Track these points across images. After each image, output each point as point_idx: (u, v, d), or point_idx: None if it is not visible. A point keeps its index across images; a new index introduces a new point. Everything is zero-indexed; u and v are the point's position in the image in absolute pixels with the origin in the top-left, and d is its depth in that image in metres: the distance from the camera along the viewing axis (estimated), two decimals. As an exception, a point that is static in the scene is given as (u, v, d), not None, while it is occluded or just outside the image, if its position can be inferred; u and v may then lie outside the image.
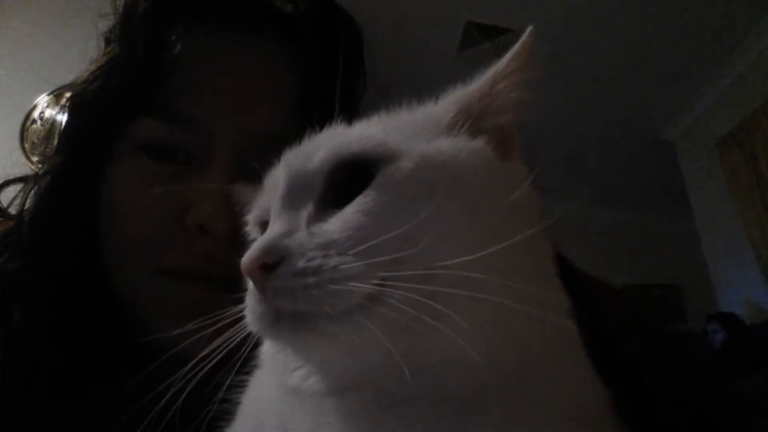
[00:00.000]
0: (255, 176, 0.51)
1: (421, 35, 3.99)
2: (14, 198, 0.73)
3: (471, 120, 0.44)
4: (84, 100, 0.69)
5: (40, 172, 0.70)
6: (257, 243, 0.37)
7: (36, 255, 0.64)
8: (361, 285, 0.34)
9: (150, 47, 0.65)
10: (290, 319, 0.36)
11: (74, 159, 0.67)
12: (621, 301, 0.64)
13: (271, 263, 0.36)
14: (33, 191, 0.68)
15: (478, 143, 0.43)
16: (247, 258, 0.36)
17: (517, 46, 0.45)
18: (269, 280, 0.35)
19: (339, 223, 0.37)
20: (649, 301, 6.08)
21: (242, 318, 0.40)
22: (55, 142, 0.72)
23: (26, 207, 0.69)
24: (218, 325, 0.41)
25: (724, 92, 4.58)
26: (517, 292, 0.35)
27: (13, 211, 0.73)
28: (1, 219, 0.74)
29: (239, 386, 0.46)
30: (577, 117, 5.03)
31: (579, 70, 4.44)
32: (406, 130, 0.43)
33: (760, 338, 3.69)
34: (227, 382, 0.44)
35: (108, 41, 0.73)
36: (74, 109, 0.70)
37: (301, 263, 0.35)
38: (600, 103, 4.86)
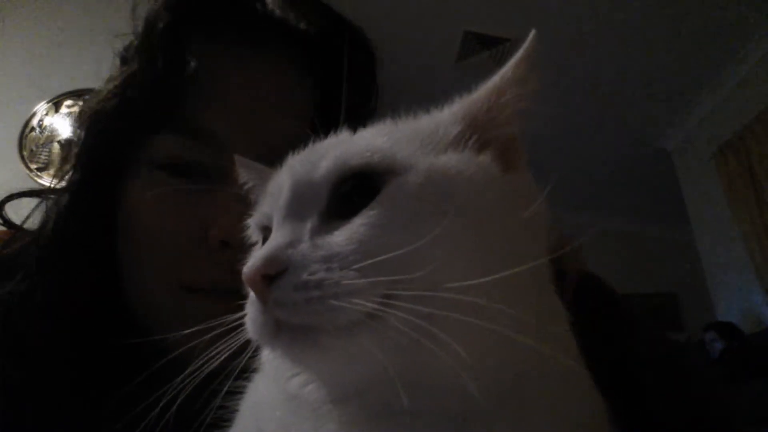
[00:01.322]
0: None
1: (419, 45, 4.01)
2: (29, 215, 0.73)
3: (478, 132, 0.43)
4: (102, 118, 0.69)
5: (56, 187, 0.71)
6: (260, 253, 0.37)
7: (54, 274, 0.64)
8: (362, 302, 0.33)
9: (169, 63, 0.66)
10: (290, 331, 0.35)
11: (93, 177, 0.68)
12: (624, 312, 0.64)
13: (274, 274, 0.35)
14: (51, 209, 0.69)
15: (486, 159, 0.42)
16: (249, 268, 0.36)
17: (520, 53, 0.44)
18: (271, 291, 0.35)
19: (344, 235, 0.37)
20: (647, 310, 6.08)
21: (241, 325, 0.40)
22: (71, 157, 0.72)
23: (44, 224, 0.68)
24: (217, 331, 0.41)
25: (721, 101, 4.61)
26: (517, 321, 0.34)
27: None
28: (7, 229, 0.74)
29: (237, 393, 0.46)
30: (574, 126, 5.05)
31: (576, 79, 4.46)
32: (412, 140, 0.42)
33: (758, 347, 3.68)
34: (224, 389, 0.44)
35: (124, 60, 0.73)
36: (92, 126, 0.70)
37: (303, 276, 0.35)
38: (597, 112, 4.88)
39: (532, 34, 0.45)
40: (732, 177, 4.33)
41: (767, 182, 3.99)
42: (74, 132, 0.77)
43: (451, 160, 0.41)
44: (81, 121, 0.72)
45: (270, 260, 0.36)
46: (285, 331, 0.35)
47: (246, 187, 0.55)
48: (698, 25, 3.91)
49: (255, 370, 0.46)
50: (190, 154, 0.65)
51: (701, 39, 4.05)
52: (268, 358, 0.44)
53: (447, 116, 0.45)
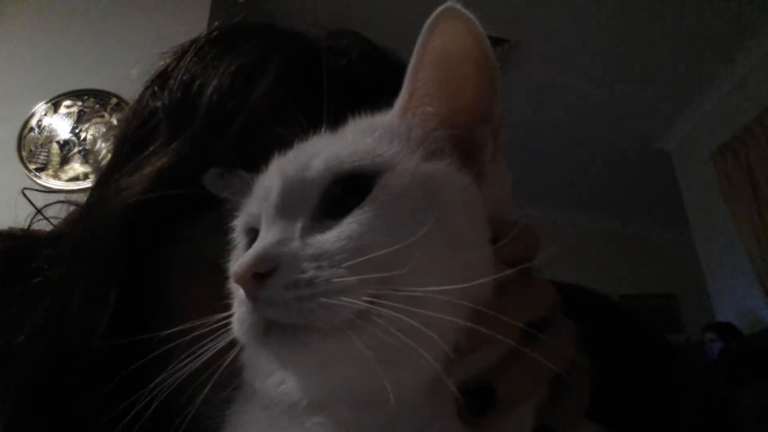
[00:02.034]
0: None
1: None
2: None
3: (431, 135, 0.43)
4: (142, 207, 0.58)
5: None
6: (251, 251, 0.37)
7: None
8: (352, 300, 0.33)
9: (240, 163, 0.54)
10: (280, 331, 0.35)
11: (134, 268, 0.58)
12: (624, 315, 0.63)
13: (264, 272, 0.35)
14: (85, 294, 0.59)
15: (468, 177, 0.42)
16: (239, 266, 0.35)
17: (417, 49, 0.42)
18: (261, 290, 0.35)
19: (334, 234, 0.37)
20: (646, 310, 6.08)
21: (225, 325, 0.39)
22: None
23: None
24: (201, 331, 0.40)
25: (720, 103, 4.61)
26: (488, 318, 0.36)
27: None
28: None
29: (226, 402, 0.45)
30: (575, 128, 5.05)
31: (575, 81, 4.47)
32: (391, 139, 0.43)
33: (757, 348, 3.69)
34: (201, 397, 0.43)
35: (171, 123, 0.61)
36: (135, 213, 0.58)
37: (294, 274, 0.35)
38: (597, 113, 4.88)
39: (435, 13, 0.41)
40: (731, 178, 4.33)
41: (766, 183, 4.00)
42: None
43: (434, 169, 0.41)
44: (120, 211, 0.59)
45: (261, 258, 0.35)
46: (274, 331, 0.35)
47: (222, 196, 0.53)
48: (697, 26, 3.91)
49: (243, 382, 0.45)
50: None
51: (700, 40, 4.05)
52: (249, 360, 0.43)
53: (397, 115, 0.45)
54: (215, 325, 0.40)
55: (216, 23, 0.70)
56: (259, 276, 0.35)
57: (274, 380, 0.40)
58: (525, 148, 4.70)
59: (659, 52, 4.16)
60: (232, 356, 0.41)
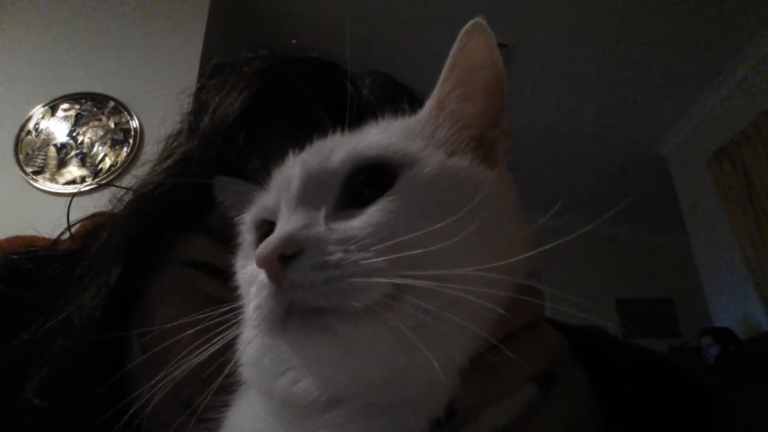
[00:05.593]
0: None
1: (416, 53, 4.02)
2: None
3: (454, 131, 0.45)
4: (151, 203, 0.65)
5: (92, 267, 0.65)
6: (275, 234, 0.36)
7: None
8: (384, 279, 0.33)
9: (229, 161, 0.59)
10: (302, 316, 0.34)
11: (132, 268, 0.63)
12: (640, 359, 0.63)
13: (290, 254, 0.34)
14: (93, 297, 0.63)
15: (492, 174, 0.43)
16: (264, 248, 0.34)
17: (451, 56, 0.45)
18: (286, 272, 0.34)
19: (360, 221, 0.37)
20: (643, 315, 6.09)
21: (227, 321, 0.39)
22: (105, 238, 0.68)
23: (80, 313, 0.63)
24: (201, 326, 0.40)
25: (716, 108, 4.63)
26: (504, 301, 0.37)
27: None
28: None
29: (223, 407, 0.45)
30: (572, 133, 5.07)
31: (572, 87, 4.48)
32: (414, 136, 0.44)
33: (754, 352, 3.69)
34: (206, 398, 0.43)
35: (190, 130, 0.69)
36: (139, 211, 0.66)
37: (321, 256, 0.34)
38: (594, 119, 4.90)
39: (465, 28, 0.44)
40: (727, 182, 4.35)
41: (762, 187, 4.01)
42: (113, 205, 0.74)
43: (460, 163, 0.43)
44: (131, 202, 0.68)
45: (287, 240, 0.35)
46: (296, 316, 0.35)
47: (224, 205, 0.53)
48: (693, 32, 3.94)
49: (241, 384, 0.45)
50: (223, 261, 0.55)
51: (696, 45, 4.07)
52: (251, 359, 0.42)
53: (426, 116, 0.47)
54: (218, 319, 0.39)
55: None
56: (284, 259, 0.34)
57: (285, 380, 0.39)
58: (522, 152, 4.70)
59: (656, 58, 4.18)
60: (222, 359, 0.41)
